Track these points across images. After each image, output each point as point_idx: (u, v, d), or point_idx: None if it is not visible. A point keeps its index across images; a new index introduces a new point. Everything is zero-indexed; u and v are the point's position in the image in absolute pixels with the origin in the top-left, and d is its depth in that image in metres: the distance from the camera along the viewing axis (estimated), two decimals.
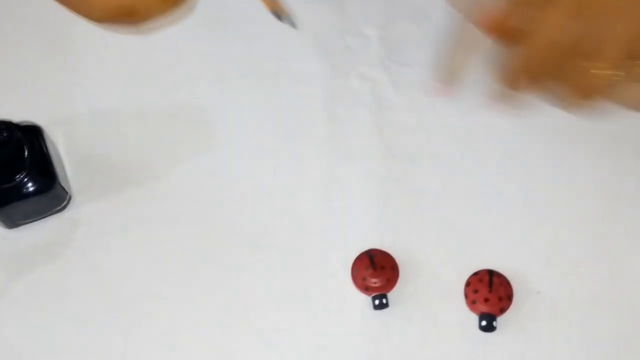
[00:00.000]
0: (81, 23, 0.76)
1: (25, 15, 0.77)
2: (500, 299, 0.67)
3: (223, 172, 0.72)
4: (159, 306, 0.68)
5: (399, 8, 0.77)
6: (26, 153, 0.66)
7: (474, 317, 0.67)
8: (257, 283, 0.69)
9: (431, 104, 0.74)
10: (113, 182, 0.72)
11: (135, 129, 0.74)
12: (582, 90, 0.60)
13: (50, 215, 0.70)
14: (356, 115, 0.74)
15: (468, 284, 0.68)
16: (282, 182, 0.72)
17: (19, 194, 0.66)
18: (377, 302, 0.68)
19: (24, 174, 0.66)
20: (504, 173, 0.72)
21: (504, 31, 0.61)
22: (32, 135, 0.68)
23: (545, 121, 0.74)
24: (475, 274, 0.68)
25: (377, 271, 0.68)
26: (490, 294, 0.67)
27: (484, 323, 0.67)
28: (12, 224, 0.69)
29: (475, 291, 0.67)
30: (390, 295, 0.68)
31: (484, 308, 0.67)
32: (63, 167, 0.71)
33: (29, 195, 0.66)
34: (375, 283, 0.68)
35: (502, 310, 0.67)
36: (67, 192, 0.70)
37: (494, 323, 0.67)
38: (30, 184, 0.66)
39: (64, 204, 0.70)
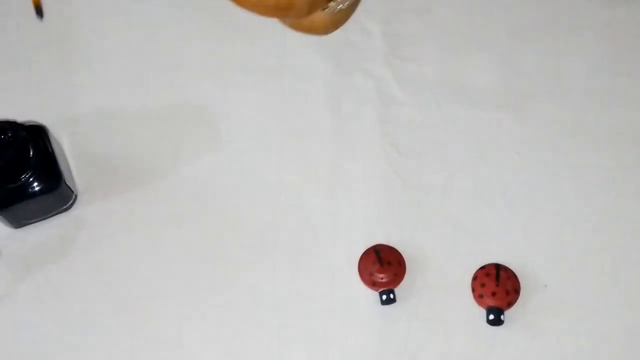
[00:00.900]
0: (86, 24, 0.77)
1: (29, 16, 0.77)
2: (507, 292, 0.67)
3: (229, 170, 0.72)
4: (166, 305, 0.68)
5: (401, 3, 0.78)
6: (31, 153, 0.66)
7: (482, 311, 0.67)
8: (264, 280, 0.69)
9: (435, 99, 0.74)
10: (118, 180, 0.72)
11: (140, 128, 0.74)
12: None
13: (56, 214, 0.70)
14: (360, 112, 0.74)
15: (475, 277, 0.68)
16: (287, 180, 0.72)
17: (24, 194, 0.66)
18: (384, 297, 0.68)
19: (29, 174, 0.66)
20: (509, 168, 0.72)
21: None
22: (37, 135, 0.67)
23: (549, 116, 0.74)
24: (482, 267, 0.68)
25: (384, 267, 0.68)
26: (497, 288, 0.67)
27: (491, 317, 0.67)
28: (18, 223, 0.69)
29: (483, 285, 0.67)
30: (397, 290, 0.68)
31: (492, 302, 0.67)
32: (68, 167, 0.71)
33: (35, 194, 0.66)
34: (382, 278, 0.68)
35: (510, 304, 0.67)
36: (72, 191, 0.69)
37: (502, 317, 0.67)
38: (35, 184, 0.66)
39: (69, 203, 0.70)
